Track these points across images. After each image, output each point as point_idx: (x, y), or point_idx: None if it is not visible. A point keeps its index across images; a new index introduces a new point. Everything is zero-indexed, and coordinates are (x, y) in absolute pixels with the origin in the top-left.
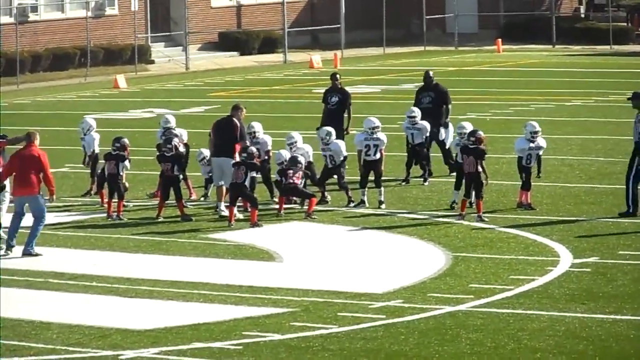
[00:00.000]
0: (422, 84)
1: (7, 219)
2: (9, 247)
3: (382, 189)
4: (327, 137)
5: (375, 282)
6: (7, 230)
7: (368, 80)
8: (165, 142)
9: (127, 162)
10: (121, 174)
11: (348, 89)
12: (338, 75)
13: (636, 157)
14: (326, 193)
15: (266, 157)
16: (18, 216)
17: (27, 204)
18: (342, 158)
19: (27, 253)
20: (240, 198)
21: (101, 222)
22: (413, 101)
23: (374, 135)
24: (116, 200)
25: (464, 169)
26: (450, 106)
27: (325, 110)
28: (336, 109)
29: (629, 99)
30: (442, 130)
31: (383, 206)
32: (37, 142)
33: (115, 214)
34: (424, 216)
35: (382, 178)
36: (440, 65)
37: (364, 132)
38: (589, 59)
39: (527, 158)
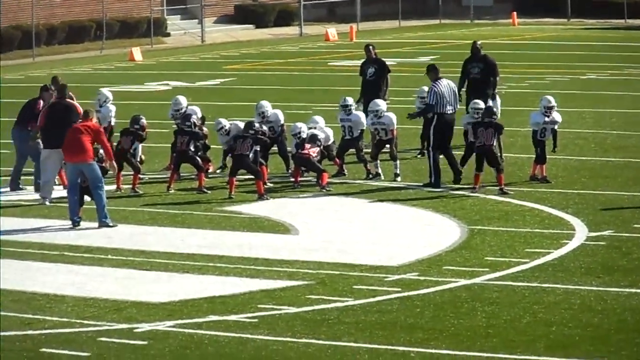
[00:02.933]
0: (470, 55)
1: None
2: (75, 223)
3: (398, 162)
4: (351, 107)
5: (390, 255)
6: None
7: (384, 53)
8: (184, 119)
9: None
10: (137, 151)
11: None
12: (372, 47)
13: None
14: (344, 166)
15: (281, 131)
16: (73, 188)
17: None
18: (360, 130)
19: (103, 224)
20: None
21: (117, 194)
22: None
23: (380, 120)
24: (126, 174)
25: (479, 142)
26: (498, 78)
27: (363, 82)
28: (374, 79)
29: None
30: (490, 101)
31: (399, 179)
32: (94, 119)
33: (130, 186)
34: (439, 189)
35: (398, 150)
36: (455, 38)
37: (371, 114)
38: (603, 33)
39: (542, 132)
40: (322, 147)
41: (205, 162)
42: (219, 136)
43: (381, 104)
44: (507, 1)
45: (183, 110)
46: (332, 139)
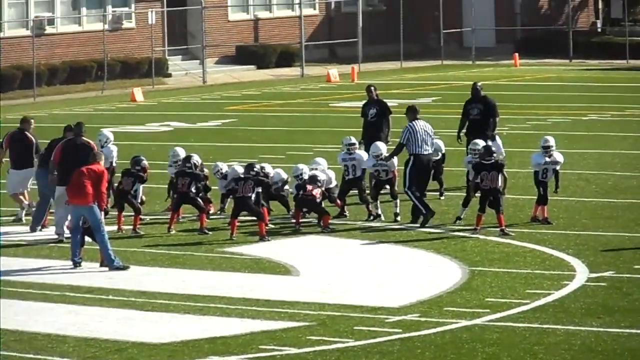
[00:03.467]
0: (470, 96)
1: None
2: (75, 264)
3: (398, 200)
4: (353, 147)
5: (391, 296)
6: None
7: (385, 94)
8: (185, 160)
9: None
10: (137, 192)
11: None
12: (373, 88)
13: None
14: (345, 207)
15: (282, 185)
16: (76, 229)
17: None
18: (362, 169)
19: (114, 268)
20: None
21: (117, 235)
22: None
23: (381, 162)
24: (128, 215)
25: (484, 185)
26: (498, 119)
27: (364, 123)
28: (375, 121)
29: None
30: (490, 142)
31: (399, 218)
32: (101, 162)
33: (131, 228)
34: (440, 230)
35: (399, 193)
36: (457, 79)
37: (373, 158)
38: (605, 74)
39: (543, 172)
40: (323, 188)
41: (206, 203)
42: (218, 180)
43: (382, 147)
44: (509, 42)
45: (180, 161)
46: (334, 182)
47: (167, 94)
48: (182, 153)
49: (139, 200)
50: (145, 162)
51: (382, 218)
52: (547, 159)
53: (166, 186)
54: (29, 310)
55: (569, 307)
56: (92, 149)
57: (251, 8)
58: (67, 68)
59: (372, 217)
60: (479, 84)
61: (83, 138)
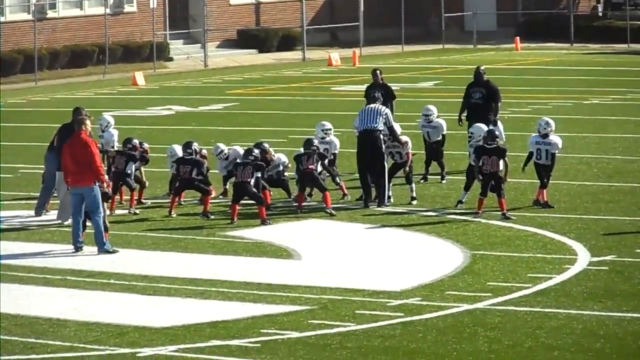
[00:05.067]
0: (473, 79)
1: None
2: (77, 248)
3: (414, 184)
4: (328, 132)
5: (393, 280)
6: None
7: (386, 78)
8: (185, 146)
9: (137, 163)
10: (129, 172)
11: (367, 85)
12: (379, 71)
13: None
14: (346, 191)
15: (284, 170)
16: (77, 212)
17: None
18: (333, 153)
19: (103, 251)
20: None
21: (119, 219)
22: (427, 99)
23: (394, 143)
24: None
25: (484, 170)
26: (500, 104)
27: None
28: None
29: None
30: (491, 126)
31: (415, 202)
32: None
33: (128, 208)
34: (442, 214)
35: (398, 176)
36: (458, 63)
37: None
38: (606, 58)
39: (537, 153)
40: (329, 153)
41: (207, 186)
42: (218, 161)
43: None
44: (510, 26)
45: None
46: (337, 147)
47: (168, 77)
48: (179, 151)
49: (133, 179)
50: (136, 141)
51: (392, 200)
52: (541, 139)
53: (167, 170)
54: (30, 294)
55: (570, 291)
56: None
57: None
58: (69, 52)
59: (343, 197)
60: (482, 67)
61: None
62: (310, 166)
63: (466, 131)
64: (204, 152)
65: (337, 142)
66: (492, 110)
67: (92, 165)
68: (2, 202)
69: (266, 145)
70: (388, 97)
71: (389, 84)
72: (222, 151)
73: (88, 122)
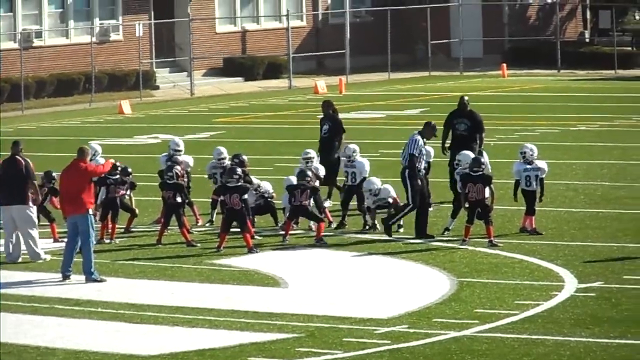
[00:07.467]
0: (456, 108)
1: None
2: (65, 276)
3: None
4: (354, 155)
5: (380, 308)
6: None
7: (373, 105)
8: (166, 170)
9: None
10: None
11: (353, 114)
12: (328, 103)
13: None
14: (346, 217)
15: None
16: (71, 240)
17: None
18: (363, 177)
19: (91, 280)
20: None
21: (106, 247)
22: (419, 127)
23: (379, 197)
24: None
25: (470, 197)
26: (484, 134)
27: (320, 138)
28: (328, 137)
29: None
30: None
31: (401, 230)
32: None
33: (109, 237)
34: (428, 241)
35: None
36: (445, 90)
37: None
38: (593, 84)
39: (527, 180)
40: (312, 181)
41: (191, 206)
42: (252, 193)
43: (376, 181)
44: (496, 53)
45: (181, 152)
46: (321, 173)
47: (154, 106)
48: (181, 145)
49: (129, 210)
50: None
51: (379, 228)
52: (528, 166)
53: (155, 199)
54: (18, 322)
55: (558, 317)
56: (24, 166)
57: (238, 20)
58: (55, 81)
59: (367, 227)
60: (466, 97)
61: (16, 156)
62: (304, 202)
63: (449, 159)
64: (190, 164)
65: (322, 169)
66: (477, 141)
67: (91, 195)
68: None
69: (244, 157)
70: (336, 130)
71: (338, 117)
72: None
73: (89, 152)
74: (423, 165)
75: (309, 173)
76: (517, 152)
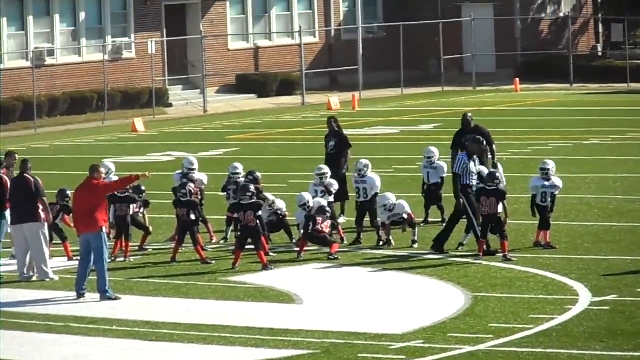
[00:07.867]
0: (461, 127)
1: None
2: (80, 295)
3: (417, 229)
4: (365, 169)
5: (395, 323)
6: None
7: (386, 121)
8: (180, 187)
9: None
10: (131, 213)
11: (367, 130)
12: (333, 119)
13: None
14: (361, 234)
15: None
16: (84, 258)
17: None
18: (375, 193)
19: (105, 298)
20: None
21: (120, 265)
22: (435, 141)
23: (394, 212)
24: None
25: (482, 211)
26: (495, 146)
27: (325, 155)
28: (334, 153)
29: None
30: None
31: (416, 245)
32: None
33: (123, 255)
34: (443, 257)
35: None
36: (458, 105)
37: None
38: (606, 97)
39: (542, 196)
40: (329, 216)
41: (206, 224)
42: (298, 209)
43: (391, 197)
44: (509, 67)
45: (195, 170)
46: (335, 188)
47: (168, 123)
48: (196, 163)
49: (142, 228)
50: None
51: (393, 244)
52: (546, 183)
53: (169, 216)
54: (33, 341)
55: (572, 331)
56: (33, 184)
57: (251, 37)
58: (68, 99)
59: (381, 243)
60: (469, 114)
61: (25, 174)
62: (324, 231)
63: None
64: (205, 182)
65: (336, 184)
66: (490, 154)
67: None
68: (1, 250)
69: (258, 174)
70: (342, 146)
71: (344, 133)
72: (305, 203)
73: (101, 169)
74: (474, 182)
75: (324, 203)
76: (537, 167)
